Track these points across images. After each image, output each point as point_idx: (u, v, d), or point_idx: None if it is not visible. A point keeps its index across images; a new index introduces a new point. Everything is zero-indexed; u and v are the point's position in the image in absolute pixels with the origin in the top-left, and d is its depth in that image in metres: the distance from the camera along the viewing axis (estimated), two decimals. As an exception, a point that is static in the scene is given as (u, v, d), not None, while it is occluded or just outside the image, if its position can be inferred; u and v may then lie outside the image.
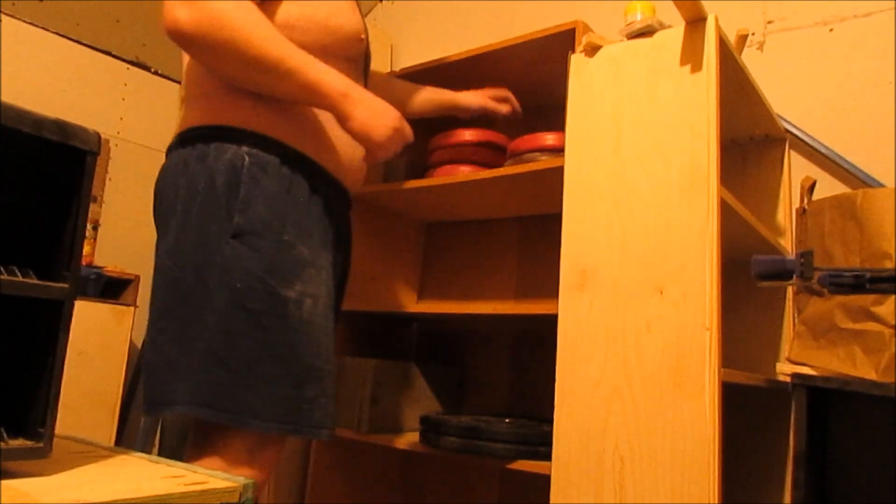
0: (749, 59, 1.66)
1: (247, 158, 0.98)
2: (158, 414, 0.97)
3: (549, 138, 1.53)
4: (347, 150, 1.11)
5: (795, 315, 1.48)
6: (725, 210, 1.17)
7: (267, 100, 1.02)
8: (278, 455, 1.02)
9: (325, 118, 1.07)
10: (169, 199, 1.01)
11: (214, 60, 0.96)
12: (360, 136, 1.04)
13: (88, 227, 2.13)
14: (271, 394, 0.94)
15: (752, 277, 1.09)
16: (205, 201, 0.97)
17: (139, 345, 2.19)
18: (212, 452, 0.96)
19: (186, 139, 1.02)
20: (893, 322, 1.03)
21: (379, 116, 1.04)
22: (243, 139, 0.99)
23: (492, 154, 1.69)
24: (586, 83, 1.29)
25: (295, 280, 0.98)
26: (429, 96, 1.55)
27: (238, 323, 0.94)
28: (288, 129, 1.02)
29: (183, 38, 0.92)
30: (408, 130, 1.09)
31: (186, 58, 1.09)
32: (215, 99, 1.02)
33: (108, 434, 1.92)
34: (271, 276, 0.96)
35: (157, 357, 0.97)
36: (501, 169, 1.54)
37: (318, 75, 0.99)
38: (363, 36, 1.13)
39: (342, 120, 1.03)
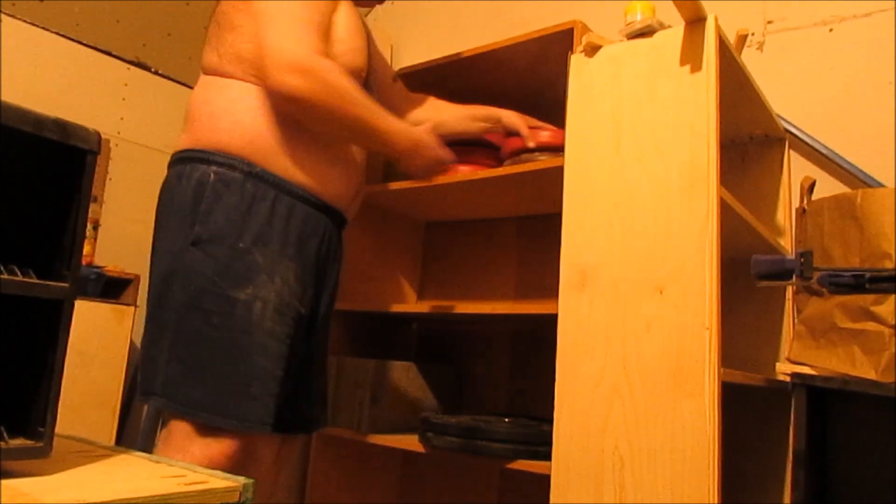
0: (749, 59, 1.66)
1: (213, 176, 1.10)
2: (141, 403, 1.09)
3: (544, 134, 1.53)
4: (326, 167, 1.19)
5: (795, 315, 1.48)
6: (725, 210, 1.17)
7: (244, 126, 1.12)
8: (231, 452, 1.06)
9: (302, 141, 1.16)
10: (157, 216, 1.16)
11: (317, 120, 1.14)
12: (413, 176, 1.34)
13: (89, 226, 2.13)
14: (219, 388, 1.04)
15: (751, 277, 1.09)
16: (176, 215, 1.10)
17: (139, 344, 2.19)
18: (163, 440, 1.08)
19: (174, 161, 1.16)
20: (893, 322, 1.03)
21: (430, 162, 1.28)
22: (213, 160, 1.11)
23: (492, 154, 1.68)
24: (586, 83, 1.29)
25: (247, 284, 1.08)
26: (471, 112, 1.59)
27: (192, 322, 1.05)
28: (259, 151, 1.12)
29: (297, 103, 1.08)
30: (447, 157, 1.31)
31: (198, 82, 1.19)
32: (200, 125, 1.14)
33: (108, 433, 1.92)
34: (223, 279, 1.06)
35: (141, 355, 1.11)
36: (501, 169, 1.54)
37: (393, 137, 1.19)
38: (364, 74, 1.26)
39: (403, 166, 1.28)
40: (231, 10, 1.17)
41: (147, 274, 1.16)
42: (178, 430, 1.05)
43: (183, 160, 1.14)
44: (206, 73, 1.19)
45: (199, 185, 1.09)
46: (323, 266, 1.22)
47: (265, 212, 1.10)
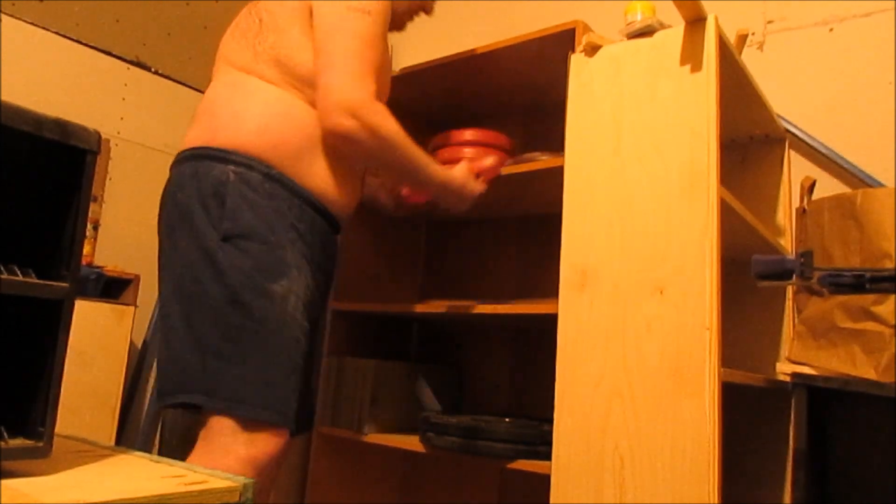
0: (749, 59, 1.66)
1: (231, 175, 1.09)
2: (165, 404, 1.07)
3: (467, 134, 1.60)
4: (338, 181, 1.20)
5: (795, 315, 1.48)
6: (725, 210, 1.17)
7: (270, 130, 1.12)
8: (275, 451, 1.05)
9: (320, 152, 1.16)
10: (168, 213, 1.14)
11: (361, 159, 1.23)
12: (451, 212, 1.42)
13: (88, 226, 2.13)
14: (264, 383, 1.04)
15: (752, 277, 1.09)
16: (198, 212, 1.08)
17: (139, 344, 2.19)
18: (203, 440, 1.04)
19: (184, 158, 1.15)
20: (893, 322, 1.03)
21: (463, 202, 1.38)
22: (230, 159, 1.10)
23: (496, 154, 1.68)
24: (586, 83, 1.29)
25: (281, 277, 1.08)
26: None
27: (233, 316, 1.04)
28: (278, 155, 1.13)
29: (347, 143, 1.14)
30: (480, 191, 1.41)
31: (222, 78, 1.19)
32: (221, 124, 1.13)
33: (108, 433, 1.92)
34: (259, 272, 1.06)
35: (164, 354, 1.09)
36: (501, 169, 1.54)
37: (428, 179, 1.28)
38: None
39: (440, 203, 1.38)
40: (281, 11, 1.16)
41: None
42: (220, 429, 1.03)
43: (197, 157, 1.12)
44: (236, 68, 1.17)
45: (220, 183, 1.08)
46: (329, 272, 1.23)
47: (284, 212, 1.11)
